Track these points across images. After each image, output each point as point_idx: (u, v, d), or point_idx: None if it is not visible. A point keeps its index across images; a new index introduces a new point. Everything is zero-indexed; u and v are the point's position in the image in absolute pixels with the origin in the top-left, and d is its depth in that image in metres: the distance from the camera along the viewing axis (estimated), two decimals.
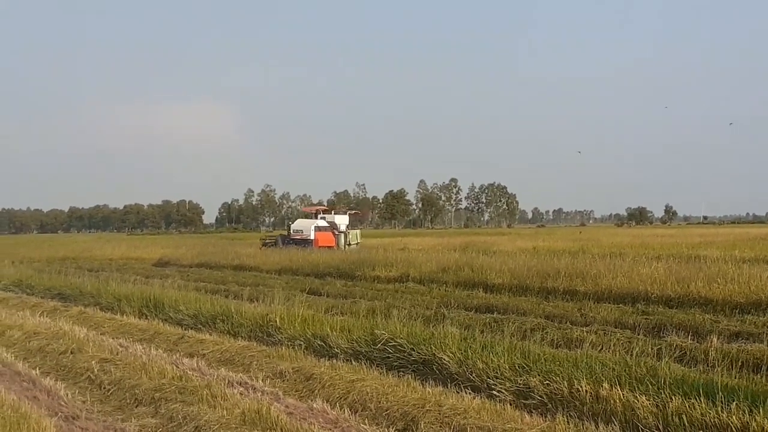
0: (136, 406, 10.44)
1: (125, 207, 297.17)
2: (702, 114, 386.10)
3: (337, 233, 57.14)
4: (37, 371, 12.98)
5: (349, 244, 56.80)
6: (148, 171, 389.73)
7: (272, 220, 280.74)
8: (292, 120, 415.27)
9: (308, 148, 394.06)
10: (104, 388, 11.56)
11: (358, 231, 63.09)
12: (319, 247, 52.60)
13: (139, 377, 11.51)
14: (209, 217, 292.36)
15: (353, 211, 71.77)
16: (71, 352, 14.07)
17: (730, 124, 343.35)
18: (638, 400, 8.57)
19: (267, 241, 60.67)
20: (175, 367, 12.29)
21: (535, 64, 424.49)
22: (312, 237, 55.67)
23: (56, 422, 9.52)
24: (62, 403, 10.86)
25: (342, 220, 59.32)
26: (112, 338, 15.96)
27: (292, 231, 57.18)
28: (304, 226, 57.48)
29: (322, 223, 57.73)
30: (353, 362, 12.08)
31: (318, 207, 68.99)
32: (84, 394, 11.32)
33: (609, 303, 18.84)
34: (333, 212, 60.50)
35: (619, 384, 9.04)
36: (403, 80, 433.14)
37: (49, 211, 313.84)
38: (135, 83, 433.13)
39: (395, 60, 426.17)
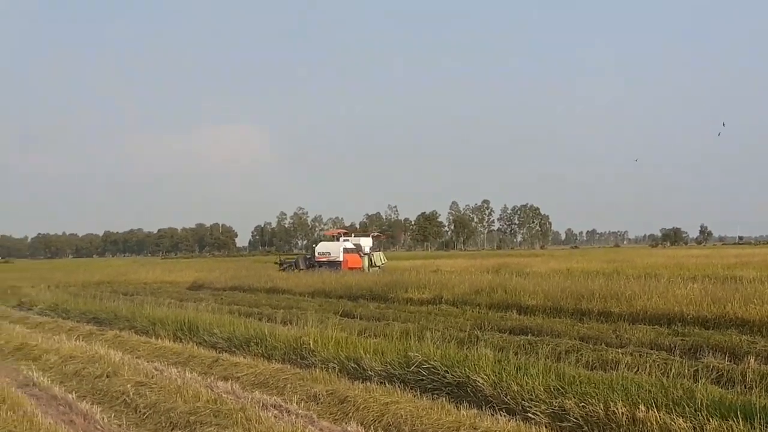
0: (172, 430, 10.49)
1: (159, 231, 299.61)
2: (737, 131, 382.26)
3: (362, 255, 57.89)
4: (74, 395, 13.07)
5: (374, 265, 57.49)
6: (181, 195, 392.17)
7: (304, 242, 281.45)
8: (325, 143, 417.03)
9: (341, 170, 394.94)
10: (140, 411, 11.62)
11: (381, 253, 63.38)
12: (348, 268, 53.12)
13: (174, 400, 11.56)
14: (242, 240, 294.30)
15: (376, 234, 72.88)
16: (107, 376, 14.17)
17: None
18: (675, 422, 8.49)
19: (285, 263, 61.14)
20: (209, 390, 12.33)
21: (567, 86, 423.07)
22: (341, 258, 56.28)
23: None
24: (98, 426, 10.94)
25: (366, 242, 60.49)
26: (147, 362, 16.06)
27: (317, 253, 57.59)
28: (333, 249, 58.18)
29: (349, 245, 58.73)
30: (387, 385, 12.04)
31: (339, 230, 70.48)
32: (120, 418, 11.38)
33: (644, 324, 18.67)
34: (353, 235, 62.47)
35: (656, 406, 8.96)
36: (434, 101, 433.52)
37: (84, 235, 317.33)
38: (168, 108, 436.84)
39: (428, 80, 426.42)
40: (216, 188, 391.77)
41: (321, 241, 65.21)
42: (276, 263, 64.54)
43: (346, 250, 57.14)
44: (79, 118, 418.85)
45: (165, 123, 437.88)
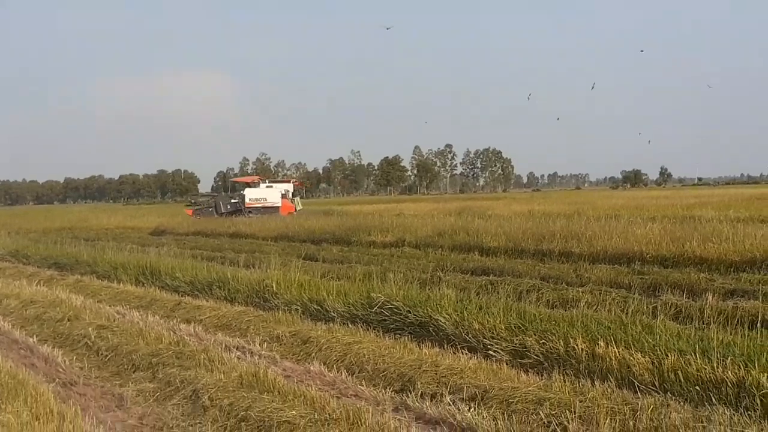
0: (134, 372, 10.47)
1: (120, 177, 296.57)
2: (695, 74, 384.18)
3: (291, 200, 58.53)
4: (35, 339, 13.02)
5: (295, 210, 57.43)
6: (143, 141, 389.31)
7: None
8: (287, 88, 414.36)
9: (303, 115, 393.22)
10: (101, 354, 11.59)
11: (299, 198, 64.08)
12: (285, 213, 53.19)
13: (136, 343, 11.53)
14: (205, 186, 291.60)
15: (297, 181, 73.44)
16: (68, 320, 14.09)
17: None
18: (634, 357, 8.61)
19: (199, 207, 59.34)
20: (172, 333, 12.33)
21: (529, 21, 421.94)
22: (279, 204, 56.46)
23: (54, 388, 9.55)
24: (60, 369, 10.90)
25: (289, 188, 61.15)
26: (109, 306, 16.00)
27: (249, 199, 56.80)
28: (269, 194, 57.80)
29: (282, 191, 58.72)
30: (350, 325, 12.10)
31: (253, 177, 69.77)
32: (81, 361, 11.35)
33: (604, 264, 18.81)
34: (267, 181, 61.33)
35: (615, 342, 9.07)
36: (396, 44, 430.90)
37: (45, 182, 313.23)
38: (131, 53, 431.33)
39: (389, 22, 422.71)
40: (178, 134, 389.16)
41: (232, 186, 63.41)
42: (189, 204, 62.64)
43: (282, 196, 57.35)
44: (41, 62, 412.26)
45: (127, 67, 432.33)
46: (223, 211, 55.67)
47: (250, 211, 54.58)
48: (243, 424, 7.67)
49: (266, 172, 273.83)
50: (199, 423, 7.99)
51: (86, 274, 22.08)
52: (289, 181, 64.06)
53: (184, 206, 63.48)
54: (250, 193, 57.70)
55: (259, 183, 60.60)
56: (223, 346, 11.44)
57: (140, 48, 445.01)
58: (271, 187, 59.66)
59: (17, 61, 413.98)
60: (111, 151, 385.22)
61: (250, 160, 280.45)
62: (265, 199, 56.70)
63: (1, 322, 14.80)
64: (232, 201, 58.10)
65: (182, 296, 16.67)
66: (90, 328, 12.90)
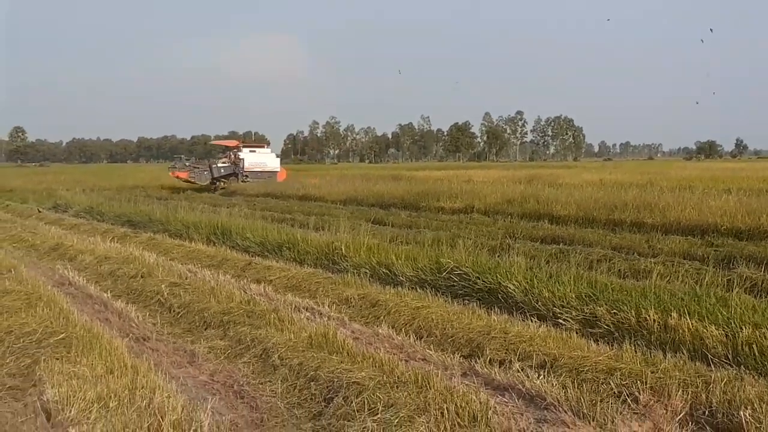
0: (205, 329, 10.61)
1: (192, 138, 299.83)
2: None
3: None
4: (109, 294, 13.29)
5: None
6: (215, 102, 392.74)
7: (337, 152, 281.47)
8: (358, 52, 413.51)
9: (373, 80, 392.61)
10: (174, 311, 11.77)
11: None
12: (282, 179, 52.74)
13: (207, 301, 11.68)
14: (275, 149, 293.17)
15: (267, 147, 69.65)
16: (141, 276, 14.34)
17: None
18: (707, 330, 8.45)
19: (193, 171, 54.75)
20: (242, 292, 12.45)
21: None
22: (278, 169, 55.43)
23: (127, 343, 9.72)
24: (133, 324, 11.11)
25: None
26: (181, 264, 16.22)
27: (248, 163, 54.55)
28: (267, 159, 56.40)
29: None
30: (418, 290, 12.08)
31: (232, 141, 66.62)
32: (154, 317, 11.55)
33: (677, 235, 18.51)
34: (241, 146, 58.47)
35: (688, 314, 8.91)
36: (467, 12, 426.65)
37: (119, 141, 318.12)
38: (206, 17, 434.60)
39: None
40: (250, 97, 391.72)
41: (210, 150, 59.35)
42: (174, 167, 56.45)
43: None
44: (115, 23, 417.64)
45: (200, 29, 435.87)
46: (217, 175, 53.89)
47: (246, 176, 53.28)
48: (312, 383, 7.73)
49: (336, 137, 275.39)
50: (269, 381, 8.08)
51: (159, 232, 22.42)
52: (263, 146, 61.16)
53: (168, 169, 59.89)
54: (249, 158, 55.36)
55: (241, 147, 57.71)
56: (293, 306, 11.52)
57: (217, 10, 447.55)
58: (240, 151, 56.66)
59: (95, 20, 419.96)
60: (184, 112, 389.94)
61: (320, 123, 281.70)
62: (265, 164, 55.19)
63: (76, 277, 15.11)
64: (228, 165, 55.55)
65: (252, 257, 16.83)
66: (162, 285, 13.11)
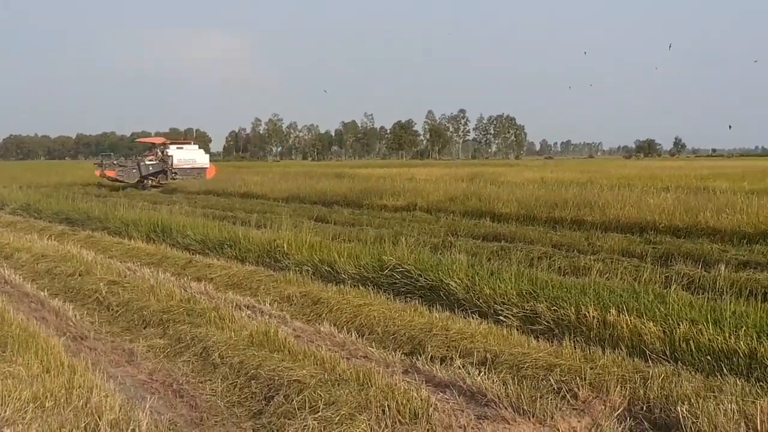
0: (144, 328, 10.49)
1: (133, 135, 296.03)
2: (711, 47, 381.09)
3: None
4: (46, 293, 13.05)
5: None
6: (156, 99, 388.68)
7: (279, 149, 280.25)
8: (301, 49, 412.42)
9: (317, 77, 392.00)
10: (112, 309, 11.61)
11: None
12: (211, 177, 52.32)
13: (147, 299, 11.55)
14: (216, 146, 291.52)
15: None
16: (79, 275, 14.14)
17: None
18: (646, 326, 8.57)
19: (121, 169, 53.57)
20: (183, 291, 12.34)
21: None
22: (208, 166, 54.89)
23: (64, 342, 9.56)
24: (70, 323, 10.93)
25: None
26: (120, 262, 16.02)
27: (177, 160, 53.42)
28: (198, 155, 55.61)
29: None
30: (360, 288, 12.08)
31: (158, 139, 64.09)
32: (92, 315, 11.37)
33: (617, 233, 18.73)
34: (169, 143, 57.37)
35: (627, 310, 9.02)
36: (411, 10, 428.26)
37: (57, 137, 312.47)
38: (144, 11, 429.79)
39: None
40: (191, 93, 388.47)
41: (137, 147, 57.20)
42: (101, 165, 55.40)
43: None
44: (56, 19, 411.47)
45: (140, 24, 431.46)
46: (145, 173, 52.88)
47: (175, 173, 52.49)
48: (253, 382, 7.68)
49: (278, 134, 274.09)
50: (209, 380, 8.01)
51: (97, 229, 22.12)
52: (190, 143, 60.70)
53: (93, 167, 58.31)
54: (178, 155, 54.06)
55: (168, 144, 56.42)
56: (234, 304, 11.44)
57: (156, 5, 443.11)
58: (167, 147, 55.51)
59: (33, 14, 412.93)
60: (124, 109, 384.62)
61: (262, 120, 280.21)
62: (194, 161, 54.35)
63: (12, 276, 14.83)
64: (156, 162, 54.26)
65: (193, 254, 16.70)
66: (101, 284, 12.93)
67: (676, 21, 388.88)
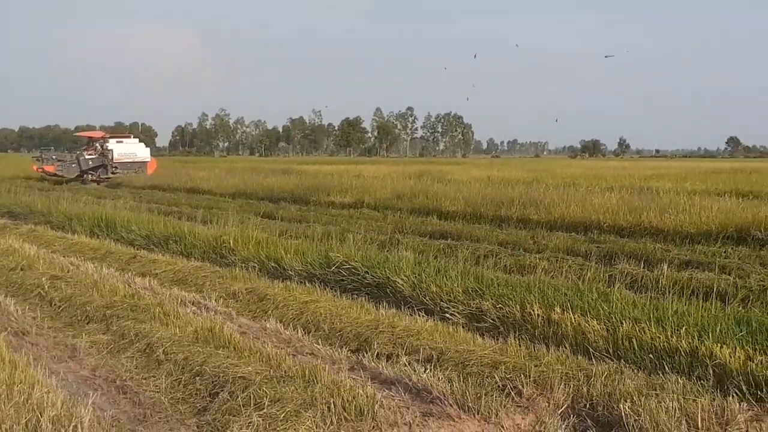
0: (87, 323, 10.37)
1: (77, 128, 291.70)
2: (657, 49, 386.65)
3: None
4: None
5: None
6: (100, 92, 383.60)
7: (226, 144, 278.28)
8: (248, 43, 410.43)
9: (264, 72, 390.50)
10: (55, 304, 11.45)
11: None
12: (152, 171, 52.08)
13: (90, 295, 11.41)
14: (162, 141, 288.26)
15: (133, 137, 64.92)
16: (21, 269, 13.92)
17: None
18: (589, 324, 8.68)
19: (60, 163, 52.29)
20: (127, 286, 12.22)
21: None
22: (149, 160, 54.39)
23: (5, 337, 9.40)
24: (12, 318, 10.75)
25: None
26: (63, 256, 15.82)
27: (118, 154, 52.39)
28: (139, 149, 54.96)
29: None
30: (307, 284, 12.08)
31: (96, 132, 64.11)
32: (34, 311, 11.22)
33: (562, 231, 18.89)
34: (108, 137, 56.38)
35: (571, 308, 9.13)
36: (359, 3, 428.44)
37: None
38: (93, 2, 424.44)
39: None
40: (136, 87, 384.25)
41: (75, 141, 55.64)
42: (39, 159, 54.73)
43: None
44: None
45: (84, 17, 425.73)
46: (85, 167, 51.44)
47: (116, 167, 51.63)
48: (198, 378, 7.63)
49: (225, 129, 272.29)
50: (153, 377, 7.94)
51: (40, 224, 21.80)
52: (130, 136, 59.87)
53: (32, 161, 57.54)
54: (118, 148, 53.01)
55: (108, 138, 55.27)
56: (179, 300, 11.36)
57: None
58: (106, 141, 54.37)
59: None
60: (69, 101, 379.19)
61: (209, 115, 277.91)
62: (135, 155, 53.54)
63: None
64: (96, 157, 52.70)
65: (138, 250, 16.52)
66: (43, 278, 12.75)
67: (622, 20, 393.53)
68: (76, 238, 18.32)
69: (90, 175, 51.15)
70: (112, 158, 52.07)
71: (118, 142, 54.53)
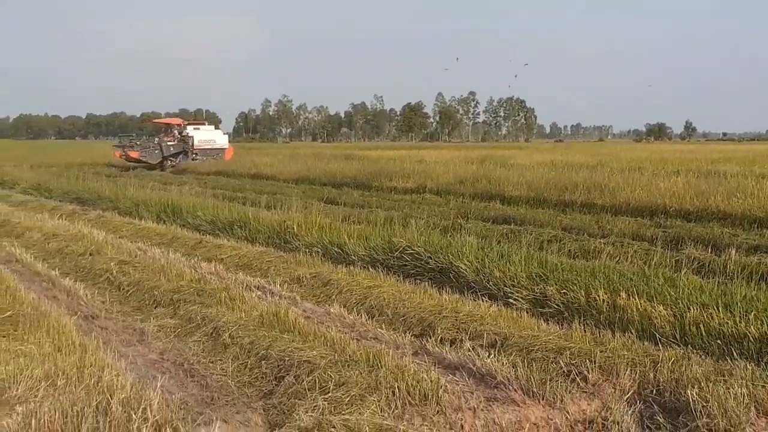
0: (155, 307, 10.54)
1: (142, 115, 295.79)
2: (724, 31, 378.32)
3: None
4: (57, 272, 13.10)
5: None
6: (166, 79, 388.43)
7: (289, 131, 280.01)
8: (312, 31, 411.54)
9: (327, 59, 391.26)
10: (123, 289, 11.67)
11: None
12: (229, 157, 52.25)
13: (157, 279, 11.60)
14: (226, 127, 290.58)
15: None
16: (90, 254, 14.18)
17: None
18: (656, 310, 8.57)
19: (142, 155, 52.75)
20: (193, 271, 12.40)
21: None
22: (227, 147, 54.91)
23: (76, 321, 9.61)
24: (81, 303, 10.98)
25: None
26: (131, 242, 16.08)
27: (198, 140, 53.63)
28: (217, 136, 55.79)
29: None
30: (370, 269, 12.09)
31: (175, 120, 63.76)
32: (103, 295, 11.43)
33: (627, 216, 18.69)
34: (186, 124, 57.65)
35: (637, 294, 9.02)
36: None
37: (67, 117, 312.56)
38: None
39: None
40: (202, 75, 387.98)
41: (188, 129, 56.74)
42: (119, 146, 55.89)
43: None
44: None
45: (151, 6, 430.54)
46: (167, 153, 52.81)
47: (196, 154, 52.68)
48: (263, 362, 7.70)
49: (287, 115, 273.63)
50: (220, 360, 8.04)
51: (108, 209, 22.21)
52: (204, 123, 61.09)
53: (112, 147, 58.74)
54: (198, 135, 54.31)
55: (185, 125, 56.87)
56: (244, 285, 11.47)
57: None
58: (185, 128, 55.79)
59: None
60: (134, 89, 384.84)
61: (272, 101, 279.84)
62: (214, 141, 54.59)
63: (23, 255, 14.87)
64: (176, 143, 54.13)
65: (203, 235, 16.74)
66: (112, 263, 12.99)
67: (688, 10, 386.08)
68: (143, 224, 18.61)
69: (170, 161, 51.90)
70: (193, 144, 53.08)
71: (195, 129, 55.48)
